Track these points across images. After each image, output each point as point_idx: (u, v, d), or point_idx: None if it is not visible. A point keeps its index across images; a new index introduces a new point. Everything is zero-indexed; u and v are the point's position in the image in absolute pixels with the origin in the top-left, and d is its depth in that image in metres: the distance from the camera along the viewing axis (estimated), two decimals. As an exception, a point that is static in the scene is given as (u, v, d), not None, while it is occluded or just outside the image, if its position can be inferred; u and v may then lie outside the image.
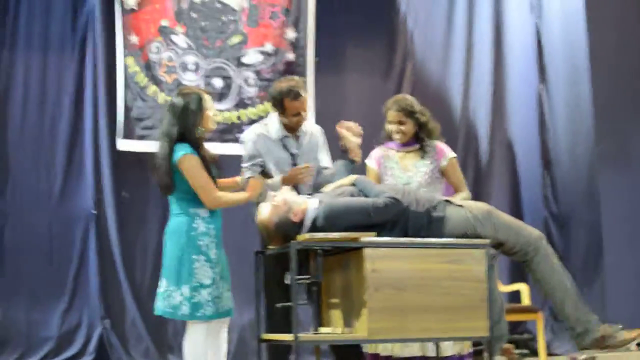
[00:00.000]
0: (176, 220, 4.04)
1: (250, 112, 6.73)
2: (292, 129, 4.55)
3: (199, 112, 4.06)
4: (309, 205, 3.76)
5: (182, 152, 3.98)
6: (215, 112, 4.07)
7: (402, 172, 4.60)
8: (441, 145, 4.68)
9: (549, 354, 6.64)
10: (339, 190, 3.91)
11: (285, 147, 4.55)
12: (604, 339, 3.84)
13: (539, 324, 5.87)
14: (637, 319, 6.57)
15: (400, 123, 4.60)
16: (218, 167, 4.22)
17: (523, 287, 6.18)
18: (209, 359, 3.99)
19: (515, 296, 6.47)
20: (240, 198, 4.12)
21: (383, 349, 4.37)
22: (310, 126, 4.72)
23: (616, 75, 7.12)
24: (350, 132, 4.46)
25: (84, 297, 6.20)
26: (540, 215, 7.24)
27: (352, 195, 3.83)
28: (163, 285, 4.03)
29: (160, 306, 4.03)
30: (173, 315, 3.98)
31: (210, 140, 6.48)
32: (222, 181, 4.32)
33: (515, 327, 6.93)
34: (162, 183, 4.06)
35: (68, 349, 6.10)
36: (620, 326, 3.91)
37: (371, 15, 7.09)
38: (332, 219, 3.64)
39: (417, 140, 4.65)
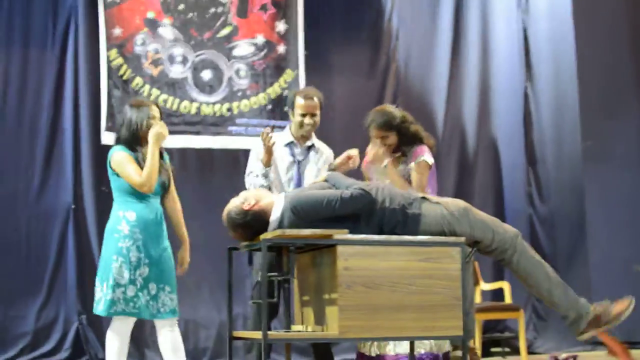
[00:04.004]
0: (109, 221, 4.17)
1: (242, 104, 6.64)
2: (301, 136, 4.66)
3: (143, 121, 4.13)
4: (276, 201, 3.70)
5: (113, 150, 4.13)
6: (161, 126, 4.10)
7: (381, 177, 4.67)
8: (419, 149, 4.71)
9: (532, 353, 6.62)
10: (310, 186, 3.85)
11: (291, 153, 4.67)
12: (599, 318, 3.78)
13: (521, 322, 5.87)
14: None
15: (383, 138, 4.67)
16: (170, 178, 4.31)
17: (505, 285, 6.17)
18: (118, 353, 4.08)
19: (497, 294, 6.44)
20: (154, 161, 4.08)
21: (377, 347, 4.46)
22: (324, 147, 4.80)
23: (602, 72, 7.05)
24: (350, 163, 4.55)
25: (61, 292, 6.18)
26: (524, 213, 7.21)
27: (322, 189, 3.77)
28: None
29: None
30: (95, 310, 4.09)
31: (199, 133, 6.49)
32: None
33: (496, 325, 6.90)
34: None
35: (44, 344, 6.08)
36: (609, 301, 3.85)
37: (356, 14, 7.04)
38: (298, 211, 3.57)
39: (399, 148, 4.72)
